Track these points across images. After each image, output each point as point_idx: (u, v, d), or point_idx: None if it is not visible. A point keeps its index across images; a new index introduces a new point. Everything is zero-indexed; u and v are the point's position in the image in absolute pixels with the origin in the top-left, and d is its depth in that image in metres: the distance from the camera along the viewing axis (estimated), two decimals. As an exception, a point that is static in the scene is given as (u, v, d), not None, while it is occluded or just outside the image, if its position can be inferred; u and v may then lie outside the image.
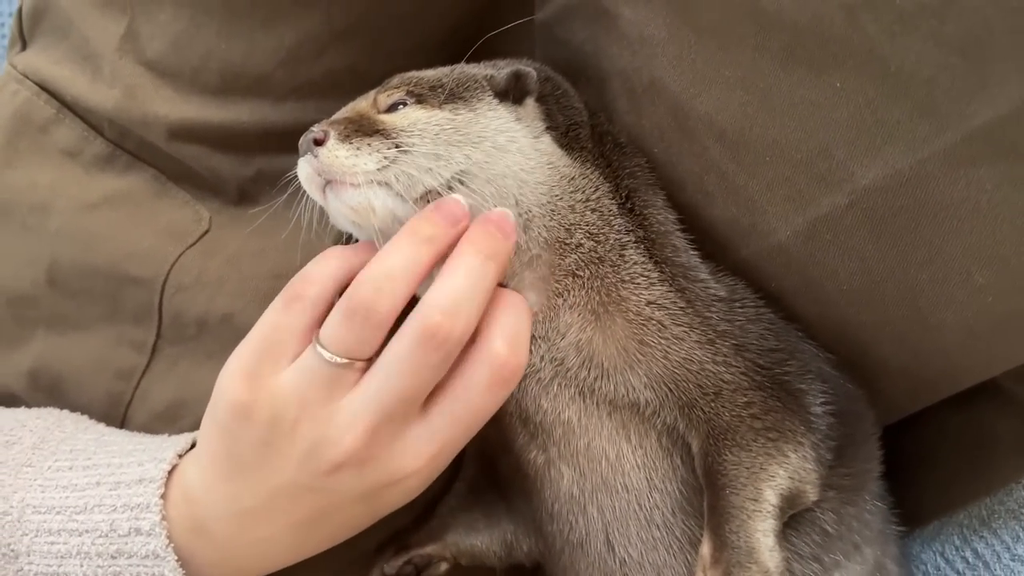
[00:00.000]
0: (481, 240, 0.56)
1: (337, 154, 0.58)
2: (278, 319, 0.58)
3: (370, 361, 0.56)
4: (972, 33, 0.48)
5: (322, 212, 0.64)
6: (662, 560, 0.61)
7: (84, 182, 0.73)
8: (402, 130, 0.60)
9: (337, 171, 0.58)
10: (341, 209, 0.60)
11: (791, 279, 0.62)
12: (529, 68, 0.65)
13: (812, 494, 0.59)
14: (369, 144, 0.59)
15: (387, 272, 0.55)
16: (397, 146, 0.59)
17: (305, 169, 0.60)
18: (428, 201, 0.59)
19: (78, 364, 0.72)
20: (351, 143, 0.59)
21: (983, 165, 0.51)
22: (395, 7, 0.69)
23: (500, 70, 0.65)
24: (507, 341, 0.57)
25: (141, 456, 0.62)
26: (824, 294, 0.61)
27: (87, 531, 0.59)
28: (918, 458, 0.73)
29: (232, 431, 0.57)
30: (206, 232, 0.72)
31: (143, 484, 0.59)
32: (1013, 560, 0.66)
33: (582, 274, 0.61)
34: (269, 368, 0.57)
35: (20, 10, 0.79)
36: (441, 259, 0.57)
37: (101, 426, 0.69)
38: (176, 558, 0.58)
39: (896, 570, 0.66)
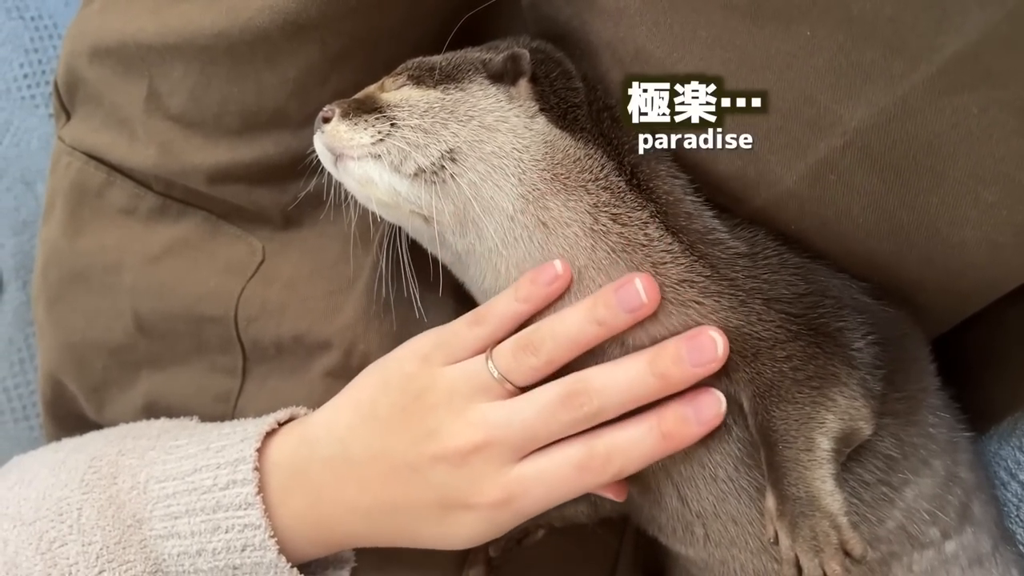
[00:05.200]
0: (664, 357, 0.59)
1: (339, 129, 0.65)
2: (461, 330, 0.65)
3: (521, 390, 0.62)
4: None
5: (360, 224, 0.70)
6: (735, 509, 0.64)
7: (145, 236, 0.79)
8: (395, 106, 0.65)
9: (338, 144, 0.65)
10: (348, 181, 0.66)
11: (808, 221, 0.62)
12: (523, 50, 0.66)
13: (867, 429, 0.60)
14: (366, 120, 0.64)
15: (553, 334, 0.61)
16: (391, 122, 0.64)
17: (318, 144, 0.67)
18: (425, 180, 0.63)
19: (182, 394, 0.79)
20: (351, 119, 0.64)
21: (964, 92, 0.50)
22: (382, 21, 0.71)
23: (499, 53, 0.67)
24: (611, 446, 0.60)
25: (246, 424, 0.70)
26: (842, 231, 0.61)
27: (194, 489, 0.66)
28: (982, 358, 0.73)
29: (385, 387, 0.65)
30: (262, 262, 0.77)
31: (245, 442, 0.67)
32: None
33: (619, 268, 0.62)
34: (439, 359, 0.64)
35: (56, 85, 0.84)
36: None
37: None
38: (263, 507, 0.64)
39: (970, 476, 0.66)
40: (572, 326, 0.61)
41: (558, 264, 0.62)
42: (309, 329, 0.74)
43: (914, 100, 0.52)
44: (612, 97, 0.67)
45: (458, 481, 0.62)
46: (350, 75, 0.72)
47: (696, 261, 0.62)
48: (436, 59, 0.68)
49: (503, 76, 0.66)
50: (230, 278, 0.77)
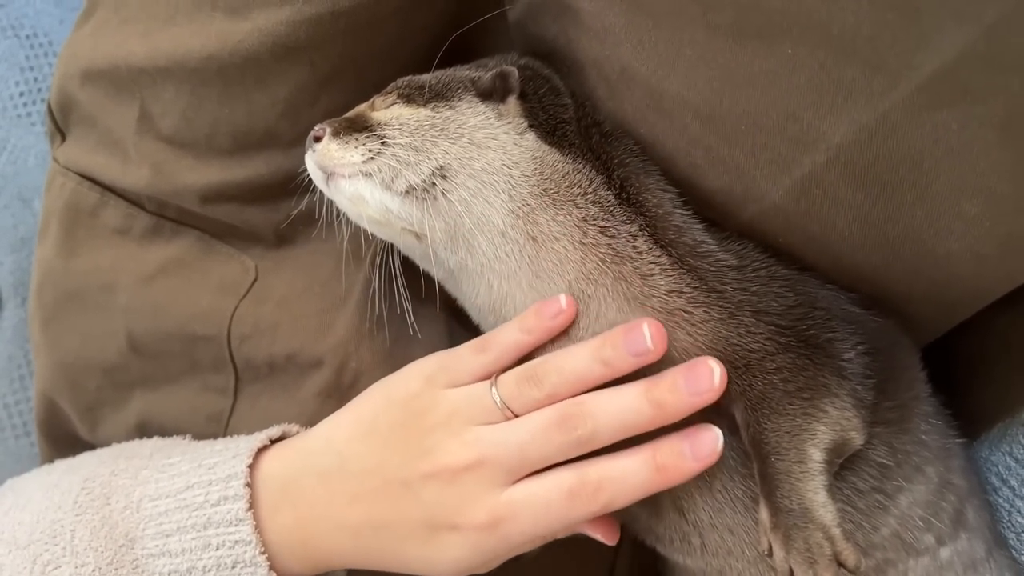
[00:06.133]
0: (661, 386, 0.59)
1: (329, 148, 0.65)
2: (466, 355, 0.65)
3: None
4: None
5: (352, 241, 0.70)
6: (731, 520, 0.64)
7: (139, 256, 0.79)
8: (385, 124, 0.65)
9: (329, 163, 0.65)
10: (340, 199, 0.67)
11: (795, 234, 0.62)
12: (511, 68, 0.67)
13: (859, 439, 0.60)
14: (356, 138, 0.65)
15: (558, 369, 0.61)
16: (382, 140, 0.64)
17: (310, 163, 0.67)
18: (416, 198, 0.63)
19: (174, 414, 0.79)
20: (342, 138, 0.65)
21: (943, 109, 0.51)
22: (371, 43, 0.71)
23: (487, 71, 0.68)
24: (603, 475, 0.60)
25: (239, 441, 0.70)
26: (829, 244, 0.61)
27: (186, 506, 0.66)
28: (972, 365, 0.73)
29: (388, 404, 0.65)
30: (255, 281, 0.77)
31: (237, 458, 0.67)
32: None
33: (607, 278, 0.63)
34: (443, 382, 0.65)
35: (49, 106, 0.85)
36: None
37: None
38: (254, 523, 0.64)
39: (963, 482, 0.67)
40: (578, 364, 0.61)
41: (563, 299, 0.63)
42: (302, 347, 0.75)
43: (895, 117, 0.52)
44: (600, 113, 0.67)
45: (447, 499, 0.62)
46: (340, 95, 0.72)
47: (685, 273, 0.62)
48: (425, 78, 0.68)
49: (492, 93, 0.67)
50: (223, 297, 0.77)
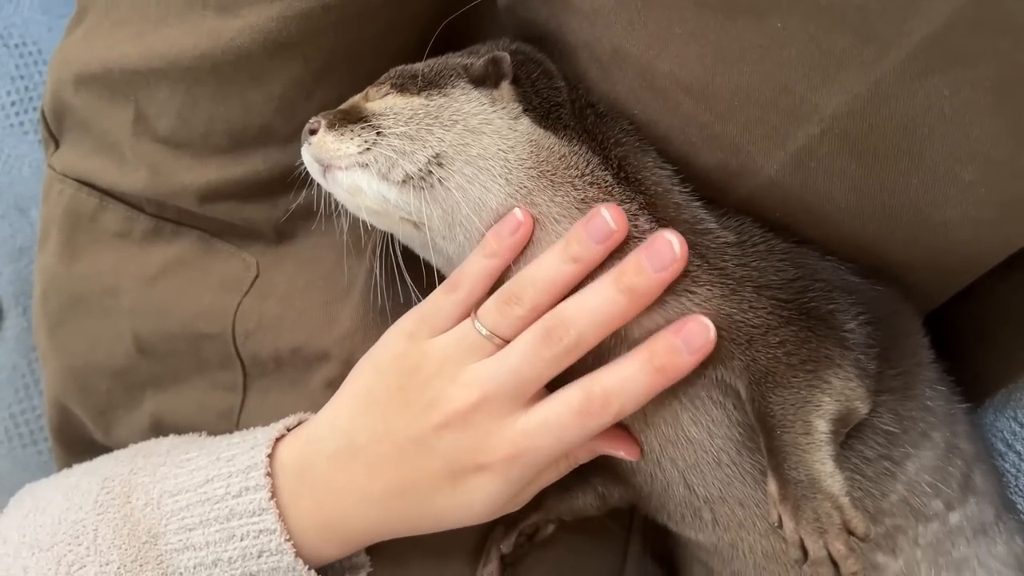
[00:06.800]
0: (626, 272, 0.61)
1: (325, 140, 0.66)
2: (439, 299, 0.66)
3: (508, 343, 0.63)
4: None
5: (352, 233, 0.70)
6: (741, 492, 0.65)
7: (140, 258, 0.80)
8: (380, 115, 0.65)
9: (326, 156, 0.65)
10: (338, 192, 0.67)
11: (791, 207, 0.62)
12: (503, 53, 0.67)
13: (863, 408, 0.60)
14: (352, 130, 0.65)
15: (532, 280, 0.63)
16: (377, 131, 0.64)
17: (306, 156, 0.67)
18: (413, 187, 0.64)
19: (186, 413, 0.80)
20: (337, 130, 0.65)
21: (935, 75, 0.51)
22: (363, 34, 0.71)
23: (480, 57, 0.68)
24: (608, 387, 0.61)
25: (255, 432, 0.71)
26: (826, 215, 0.62)
27: (207, 500, 0.66)
28: (975, 331, 0.74)
29: (379, 373, 0.66)
30: (256, 277, 0.78)
31: (255, 449, 0.68)
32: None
33: (612, 258, 0.63)
34: (426, 333, 0.65)
35: (43, 113, 0.85)
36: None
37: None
38: (277, 511, 0.65)
39: (969, 447, 0.67)
40: (549, 269, 0.62)
41: (518, 212, 0.64)
42: (307, 341, 0.75)
43: (887, 85, 0.52)
44: (593, 95, 0.67)
45: (465, 443, 0.63)
46: (334, 88, 0.73)
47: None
48: (418, 66, 0.68)
49: (485, 79, 0.67)
50: (226, 294, 0.77)
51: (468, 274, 0.65)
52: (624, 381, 0.61)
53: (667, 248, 0.60)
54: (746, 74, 0.57)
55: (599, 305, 0.61)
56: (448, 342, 0.64)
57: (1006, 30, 0.49)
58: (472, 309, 0.64)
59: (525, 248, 0.64)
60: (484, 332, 0.63)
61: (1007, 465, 0.71)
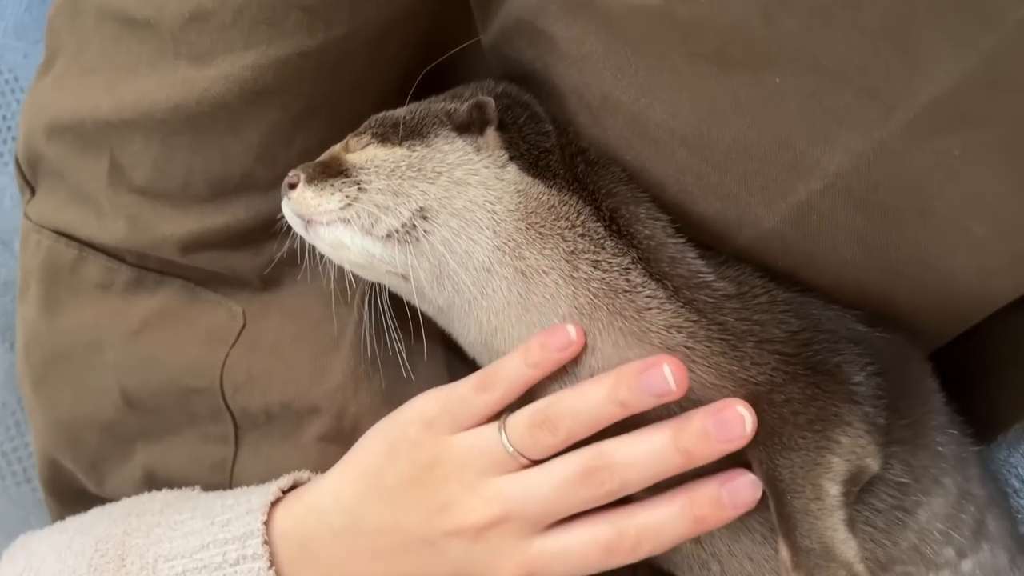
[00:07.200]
0: (689, 432, 0.57)
1: (305, 195, 0.64)
2: (467, 395, 0.62)
3: (534, 463, 0.60)
4: (892, 15, 0.45)
5: (340, 280, 0.68)
6: (749, 548, 0.62)
7: (123, 310, 0.77)
8: (361, 168, 0.63)
9: (306, 211, 0.64)
10: (321, 245, 0.65)
11: (794, 258, 0.60)
12: (488, 98, 0.64)
13: (874, 465, 0.58)
14: (332, 184, 0.63)
15: (573, 412, 0.58)
16: (358, 185, 0.62)
17: (287, 210, 0.66)
18: (397, 241, 0.62)
19: (179, 464, 0.78)
20: (317, 185, 0.63)
21: (944, 135, 0.48)
22: (342, 78, 0.69)
23: (463, 102, 0.65)
24: (642, 528, 0.58)
25: (250, 494, 0.69)
26: (830, 267, 0.59)
27: (204, 567, 0.64)
28: (985, 366, 0.71)
29: (391, 455, 0.63)
30: (243, 327, 0.75)
31: (251, 514, 0.66)
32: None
33: (601, 312, 0.61)
34: (446, 426, 0.62)
35: (17, 160, 0.82)
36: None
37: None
38: None
39: (981, 492, 0.65)
40: (593, 406, 0.58)
41: (571, 329, 0.60)
42: (296, 395, 0.73)
43: (893, 143, 0.50)
44: (583, 140, 0.65)
45: (475, 555, 0.60)
46: (315, 133, 0.70)
47: (683, 307, 0.60)
48: (399, 113, 0.66)
49: (469, 126, 0.64)
50: (212, 347, 0.75)
51: (504, 378, 0.61)
52: (661, 524, 0.58)
53: (738, 423, 0.56)
54: (743, 127, 0.54)
55: (651, 458, 0.57)
56: (470, 445, 0.61)
57: (1018, 90, 0.47)
58: (502, 416, 0.61)
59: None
60: (511, 450, 0.60)
61: (1021, 502, 0.69)
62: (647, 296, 0.60)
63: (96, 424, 0.79)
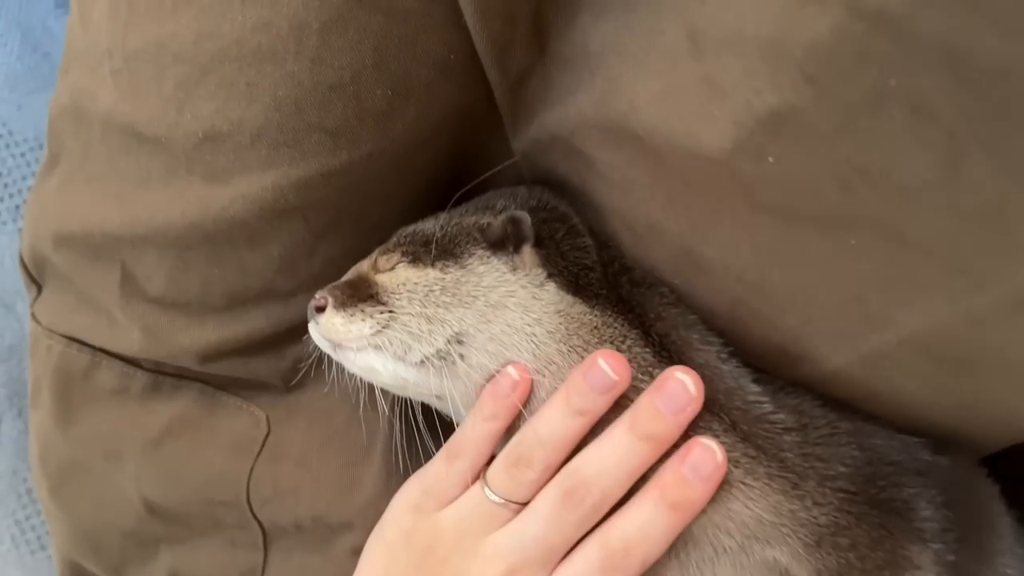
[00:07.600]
0: (641, 419, 0.55)
1: (334, 322, 0.60)
2: (440, 470, 0.61)
3: (525, 505, 0.58)
4: (988, 203, 0.41)
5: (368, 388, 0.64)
6: None
7: (141, 417, 0.74)
8: (392, 292, 0.60)
9: (335, 337, 0.60)
10: (351, 367, 0.62)
11: (858, 394, 0.56)
12: (523, 213, 0.61)
13: None
14: (363, 310, 0.60)
15: (540, 441, 0.57)
16: (390, 312, 0.59)
17: (314, 333, 0.62)
18: (432, 367, 0.59)
19: (206, 568, 0.76)
20: (346, 310, 0.60)
21: None
22: (366, 192, 0.64)
23: (496, 214, 0.61)
24: (626, 536, 0.55)
25: None
26: (898, 406, 0.56)
27: None
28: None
29: (392, 552, 0.61)
30: (268, 435, 0.72)
31: None
32: None
33: None
34: (433, 504, 0.60)
35: (22, 258, 0.78)
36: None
37: None
38: None
39: None
40: (556, 426, 0.56)
41: (512, 370, 0.58)
42: (327, 510, 0.70)
43: (981, 313, 0.46)
44: (628, 257, 0.61)
45: None
46: (338, 244, 0.67)
47: (740, 441, 0.57)
48: (430, 229, 0.62)
49: (504, 242, 0.60)
50: (237, 458, 0.72)
51: (469, 440, 0.59)
52: (641, 527, 0.55)
53: (680, 388, 0.54)
54: (811, 278, 0.51)
55: (620, 458, 0.55)
56: (461, 514, 0.59)
57: None
58: (478, 475, 0.59)
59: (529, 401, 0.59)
60: (497, 500, 0.58)
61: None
62: (700, 429, 0.57)
63: (118, 530, 0.77)
